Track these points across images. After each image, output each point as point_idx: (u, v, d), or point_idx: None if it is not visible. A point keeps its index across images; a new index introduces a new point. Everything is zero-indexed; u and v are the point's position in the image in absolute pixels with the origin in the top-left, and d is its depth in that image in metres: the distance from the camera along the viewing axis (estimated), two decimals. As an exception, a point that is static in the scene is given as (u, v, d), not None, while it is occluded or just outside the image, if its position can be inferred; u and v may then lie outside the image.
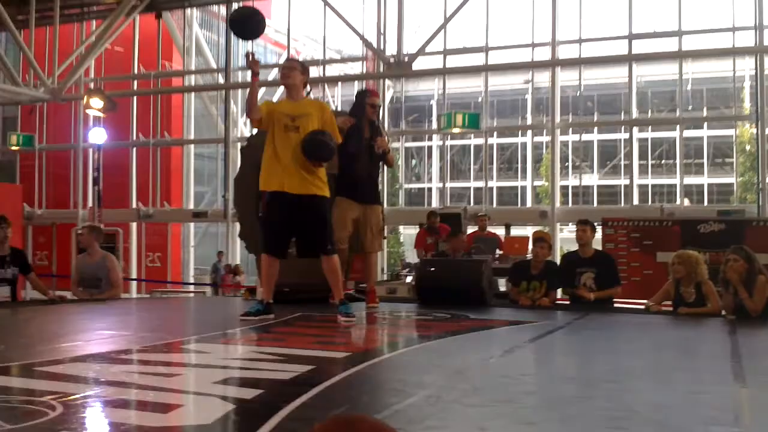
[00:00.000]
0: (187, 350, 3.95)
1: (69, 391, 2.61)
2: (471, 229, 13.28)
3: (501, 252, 10.23)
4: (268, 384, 2.94)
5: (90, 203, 16.96)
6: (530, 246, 7.76)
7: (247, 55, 5.20)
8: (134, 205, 18.20)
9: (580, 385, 3.08)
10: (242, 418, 2.38)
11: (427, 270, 7.16)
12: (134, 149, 18.27)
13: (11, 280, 6.56)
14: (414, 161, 30.71)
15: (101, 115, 13.22)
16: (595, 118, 23.62)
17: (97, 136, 12.57)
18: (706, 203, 23.54)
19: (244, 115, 18.19)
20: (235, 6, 16.85)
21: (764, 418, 2.57)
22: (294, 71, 5.24)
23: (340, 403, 2.61)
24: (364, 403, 2.65)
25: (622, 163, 25.56)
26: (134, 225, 18.49)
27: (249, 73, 5.16)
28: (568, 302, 7.13)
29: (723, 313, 6.06)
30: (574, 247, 7.07)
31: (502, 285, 8.98)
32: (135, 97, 18.02)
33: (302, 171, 5.06)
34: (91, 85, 17.18)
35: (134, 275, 17.87)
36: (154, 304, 9.74)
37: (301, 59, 19.52)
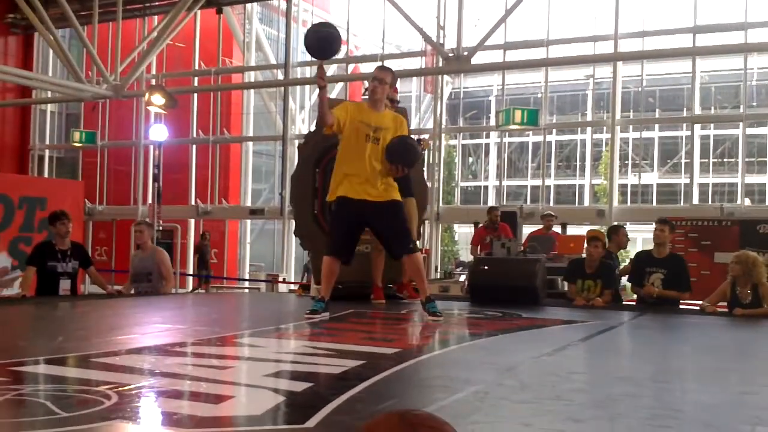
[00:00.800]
0: (240, 344, 4.05)
1: (124, 381, 2.72)
2: (527, 228, 13.19)
3: (556, 252, 10.11)
4: (319, 377, 3.01)
5: (149, 200, 17.38)
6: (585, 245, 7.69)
7: (320, 67, 5.12)
8: (193, 202, 18.57)
9: (629, 385, 3.06)
10: (292, 410, 2.45)
11: (481, 268, 7.16)
12: (194, 146, 18.64)
13: (72, 274, 6.78)
14: (471, 159, 30.56)
15: (162, 111, 13.53)
16: (657, 115, 23.10)
17: (158, 133, 12.87)
18: None
19: (309, 114, 18.45)
20: (295, 0, 17.04)
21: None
22: (384, 85, 5.21)
23: (388, 398, 2.65)
24: (411, 398, 2.69)
25: (683, 161, 24.96)
26: (192, 221, 18.88)
27: (317, 87, 5.17)
28: (626, 302, 7.06)
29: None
30: (634, 247, 6.99)
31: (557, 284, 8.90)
32: (195, 94, 18.37)
33: (380, 179, 5.12)
34: (153, 82, 17.59)
35: (191, 271, 18.27)
36: (210, 298, 9.98)
37: (360, 54, 19.61)
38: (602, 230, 14.81)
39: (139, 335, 4.39)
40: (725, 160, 25.25)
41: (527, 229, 13.02)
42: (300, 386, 2.76)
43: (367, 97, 5.45)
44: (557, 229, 12.31)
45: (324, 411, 2.32)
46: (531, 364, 3.55)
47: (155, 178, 12.79)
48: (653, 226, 6.99)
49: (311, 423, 2.19)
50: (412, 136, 5.99)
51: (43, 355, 3.44)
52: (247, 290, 17.09)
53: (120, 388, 2.58)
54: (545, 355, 3.78)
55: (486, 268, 7.12)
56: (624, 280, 7.47)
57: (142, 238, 7.41)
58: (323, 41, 4.99)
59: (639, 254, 7.27)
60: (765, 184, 24.13)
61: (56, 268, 6.66)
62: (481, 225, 10.94)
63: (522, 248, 8.51)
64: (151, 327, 4.87)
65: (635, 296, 7.09)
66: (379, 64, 16.85)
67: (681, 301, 6.98)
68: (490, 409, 2.55)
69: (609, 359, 4.02)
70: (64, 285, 6.64)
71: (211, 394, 2.64)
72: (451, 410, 2.46)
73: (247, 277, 19.26)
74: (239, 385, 2.81)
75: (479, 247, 10.36)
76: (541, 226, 11.46)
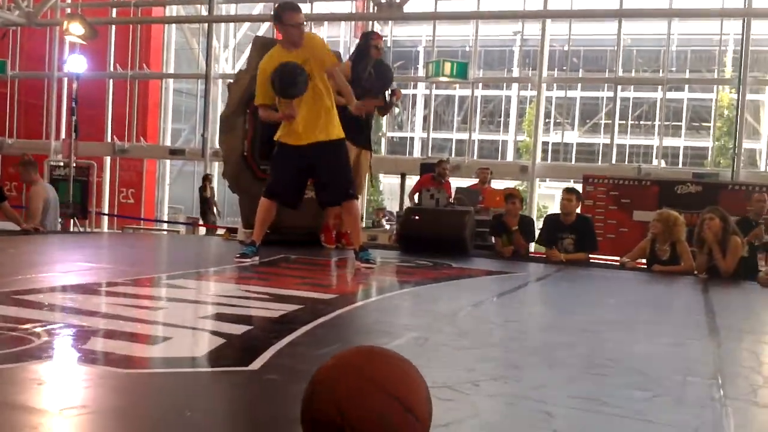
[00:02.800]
0: (170, 285, 3.93)
1: (51, 320, 2.59)
2: (453, 181, 13.28)
3: (482, 205, 10.24)
4: (257, 321, 2.95)
5: (63, 135, 16.64)
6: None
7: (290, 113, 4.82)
8: (109, 139, 17.90)
9: (563, 334, 3.13)
10: (233, 352, 2.39)
11: (412, 218, 7.18)
12: (111, 81, 17.88)
13: None
14: (398, 110, 30.47)
15: (81, 42, 12.84)
16: (580, 75, 23.53)
17: (76, 64, 12.21)
18: (681, 165, 23.75)
19: (233, 53, 17.89)
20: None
21: (737, 371, 2.64)
22: (301, 27, 4.83)
23: (329, 342, 2.62)
24: (353, 343, 2.66)
25: (603, 121, 25.63)
26: (108, 159, 18.22)
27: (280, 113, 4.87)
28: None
29: (695, 272, 6.20)
30: (552, 202, 7.22)
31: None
32: (113, 27, 17.54)
33: (321, 117, 4.85)
34: (68, 11, 16.68)
35: (106, 210, 17.69)
36: (130, 238, 9.68)
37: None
38: (520, 187, 15.13)
39: (62, 273, 4.20)
40: (642, 122, 26.05)
41: (453, 182, 13.12)
42: (238, 329, 2.70)
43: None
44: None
45: (266, 354, 2.27)
46: (467, 312, 3.58)
47: (72, 112, 12.19)
48: (571, 183, 7.24)
49: (255, 365, 2.14)
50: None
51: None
52: (165, 233, 16.70)
53: (49, 327, 2.46)
54: (480, 304, 3.83)
55: (417, 218, 7.15)
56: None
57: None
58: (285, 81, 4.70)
59: (549, 217, 7.53)
60: (679, 147, 25.09)
61: None
62: (426, 176, 10.90)
63: (450, 200, 8.60)
64: (73, 265, 4.68)
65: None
66: (308, 5, 16.44)
67: (602, 257, 7.25)
68: (433, 355, 2.55)
69: (540, 309, 4.11)
70: None
71: (147, 335, 2.55)
72: (395, 355, 2.45)
73: (166, 219, 18.82)
74: (175, 327, 2.71)
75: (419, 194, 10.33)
76: (470, 181, 11.52)
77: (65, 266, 4.65)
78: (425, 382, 1.40)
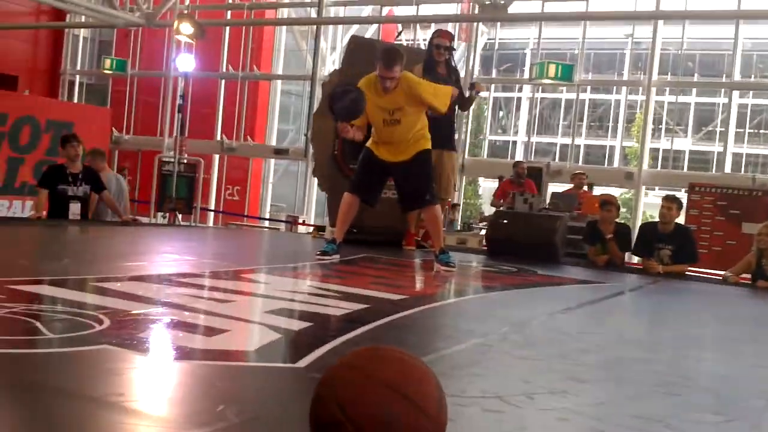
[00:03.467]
0: (246, 279, 3.99)
1: (119, 307, 2.66)
2: (552, 186, 12.98)
3: (579, 211, 9.93)
4: (319, 318, 2.93)
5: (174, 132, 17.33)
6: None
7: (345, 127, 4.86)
8: (218, 137, 18.50)
9: (640, 349, 2.95)
10: (286, 348, 2.37)
11: (500, 221, 7.03)
12: (222, 81, 18.48)
13: (82, 198, 6.71)
14: (501, 113, 30.09)
15: (190, 41, 13.33)
16: (695, 80, 22.50)
17: (185, 63, 12.68)
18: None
19: (340, 55, 18.16)
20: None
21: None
22: (396, 74, 4.77)
23: (387, 342, 2.56)
24: (410, 344, 2.60)
25: (718, 129, 24.42)
26: (216, 157, 18.83)
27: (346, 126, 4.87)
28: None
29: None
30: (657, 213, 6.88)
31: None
32: (227, 28, 18.13)
33: (404, 146, 4.94)
34: (183, 11, 17.38)
35: (212, 206, 18.29)
36: (226, 234, 9.96)
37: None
38: (627, 195, 14.56)
39: (146, 263, 4.34)
40: (761, 131, 24.66)
41: (552, 188, 12.81)
42: (299, 325, 2.69)
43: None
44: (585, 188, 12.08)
45: (318, 352, 2.24)
46: (540, 321, 3.45)
47: (179, 109, 12.67)
48: (682, 192, 6.90)
49: (302, 363, 2.11)
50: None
51: (44, 275, 3.40)
52: (266, 230, 17.11)
53: (114, 314, 2.52)
54: (556, 313, 3.68)
55: (505, 222, 6.99)
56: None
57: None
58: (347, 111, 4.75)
59: (645, 226, 7.18)
60: (801, 156, 23.59)
61: (66, 192, 6.61)
62: (505, 179, 10.74)
63: (545, 205, 8.38)
64: (160, 256, 4.83)
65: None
66: (413, 8, 16.43)
67: (705, 271, 6.86)
68: (490, 363, 2.45)
69: (622, 322, 3.91)
70: (74, 209, 6.58)
71: (206, 326, 2.57)
72: (450, 360, 2.37)
73: (267, 216, 19.28)
74: (237, 320, 2.73)
75: (501, 200, 10.20)
76: (568, 186, 11.23)
77: (152, 257, 4.80)
78: (436, 379, 1.34)
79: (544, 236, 6.64)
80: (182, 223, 12.32)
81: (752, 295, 5.64)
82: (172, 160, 12.92)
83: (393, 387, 1.24)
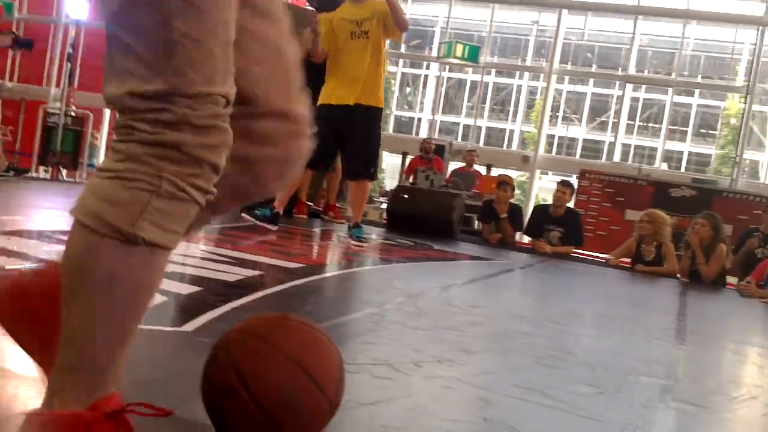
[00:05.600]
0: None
1: None
2: (452, 165, 13.21)
3: (477, 190, 10.18)
4: (210, 283, 2.88)
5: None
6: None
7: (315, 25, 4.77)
8: (113, 91, 17.78)
9: (525, 323, 3.06)
10: (172, 312, 2.32)
11: (401, 196, 7.11)
12: (121, 33, 17.72)
13: None
14: (408, 89, 30.28)
15: (86, -13, 12.61)
16: (593, 70, 23.34)
17: (77, 9, 11.95)
18: (683, 170, 23.66)
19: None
20: None
21: (694, 375, 2.58)
22: None
23: (280, 309, 2.55)
24: (305, 312, 2.60)
25: (611, 120, 25.49)
26: (108, 111, 18.10)
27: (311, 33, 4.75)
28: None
29: (678, 275, 6.15)
30: (550, 195, 7.19)
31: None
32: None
33: (367, 80, 4.76)
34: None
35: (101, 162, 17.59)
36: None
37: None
38: (522, 178, 15.02)
39: (23, 218, 4.13)
40: (650, 124, 25.90)
41: (452, 166, 13.04)
42: (187, 289, 2.63)
43: None
44: (481, 169, 12.37)
45: (206, 316, 2.21)
46: (433, 293, 3.52)
47: (69, 58, 12.00)
48: (574, 178, 7.21)
49: (189, 327, 2.07)
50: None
51: None
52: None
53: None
54: (450, 287, 3.77)
55: (405, 196, 7.08)
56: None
57: None
58: None
59: (538, 207, 7.48)
60: (683, 152, 24.95)
61: None
62: (415, 156, 10.85)
63: (445, 182, 8.54)
64: (38, 211, 4.61)
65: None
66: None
67: (590, 254, 7.20)
68: (383, 332, 2.49)
69: (510, 297, 4.05)
70: None
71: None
72: (344, 329, 2.40)
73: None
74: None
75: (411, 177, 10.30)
76: (463, 164, 11.47)
77: (27, 212, 4.58)
78: (340, 356, 1.33)
79: (442, 213, 6.77)
80: (66, 179, 11.78)
81: (631, 277, 5.95)
82: (58, 112, 12.29)
83: (297, 362, 1.19)
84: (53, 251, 3.03)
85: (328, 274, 3.61)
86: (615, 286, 5.37)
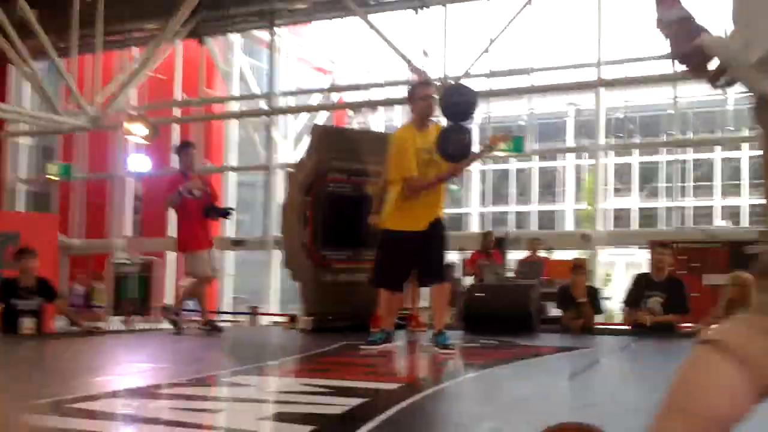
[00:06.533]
0: (229, 383, 3.84)
1: (106, 430, 2.51)
2: (511, 254, 13.05)
3: (546, 277, 10.01)
4: (320, 419, 2.82)
5: (125, 232, 17.07)
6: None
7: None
8: (171, 234, 18.25)
9: (648, 417, 2.90)
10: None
11: (475, 295, 7.02)
12: (174, 177, 18.38)
13: (36, 312, 6.44)
14: (454, 186, 30.50)
15: (144, 142, 13.29)
16: (637, 140, 23.29)
17: (140, 163, 12.58)
18: (746, 224, 23.02)
19: (294, 143, 18.31)
20: (277, 30, 16.91)
21: None
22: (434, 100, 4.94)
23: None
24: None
25: (661, 185, 25.20)
26: (172, 254, 18.57)
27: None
28: (619, 327, 6.97)
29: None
30: (615, 271, 6.96)
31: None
32: (176, 125, 18.14)
33: (436, 204, 4.91)
34: (132, 113, 17.35)
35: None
36: (194, 334, 9.68)
37: (343, 83, 19.51)
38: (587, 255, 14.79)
39: (118, 376, 4.15)
40: (701, 183, 25.51)
41: (512, 255, 12.89)
42: (302, 430, 2.58)
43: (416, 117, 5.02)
44: (542, 254, 12.20)
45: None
46: (540, 396, 3.39)
47: (136, 210, 12.53)
48: (632, 249, 7.00)
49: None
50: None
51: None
52: (228, 323, 16.72)
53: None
54: (552, 386, 3.63)
55: (481, 295, 6.98)
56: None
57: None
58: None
59: (638, 277, 7.17)
60: (739, 206, 24.37)
61: (17, 306, 6.37)
62: (474, 251, 10.78)
63: (514, 274, 8.42)
64: (130, 367, 4.64)
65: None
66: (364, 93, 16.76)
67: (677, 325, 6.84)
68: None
69: (617, 388, 3.87)
70: (27, 323, 6.31)
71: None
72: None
73: (229, 309, 18.91)
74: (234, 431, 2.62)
75: (474, 272, 10.19)
76: (527, 253, 11.33)
77: (122, 368, 4.62)
78: None
79: (520, 306, 6.64)
80: (140, 325, 12.00)
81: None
82: (126, 261, 12.68)
83: None
84: (159, 408, 3.02)
85: (428, 391, 3.50)
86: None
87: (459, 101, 4.80)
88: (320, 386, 3.54)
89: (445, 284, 4.98)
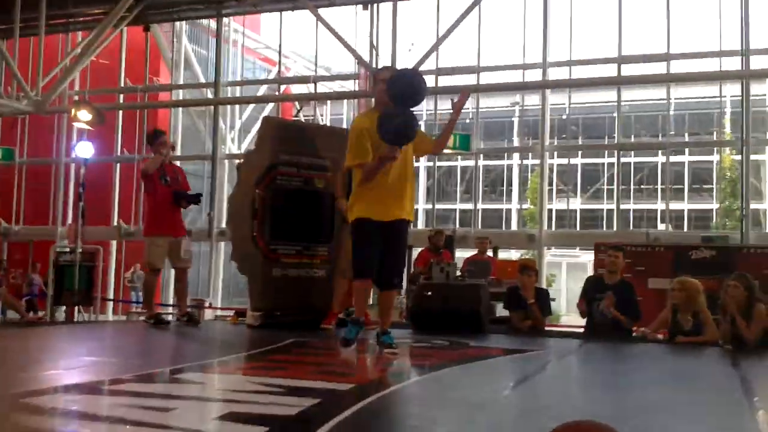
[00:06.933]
0: (176, 380, 3.72)
1: (56, 428, 2.40)
2: (459, 252, 13.11)
3: (493, 276, 10.07)
4: (273, 421, 2.74)
5: (69, 220, 16.60)
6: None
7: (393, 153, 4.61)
8: (115, 223, 17.84)
9: (607, 420, 2.91)
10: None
11: (425, 294, 6.99)
12: (118, 165, 17.95)
13: None
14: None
15: (88, 128, 12.91)
16: (580, 142, 23.70)
17: (85, 150, 12.21)
18: (686, 228, 23.66)
19: (238, 133, 18.04)
20: (225, 21, 16.65)
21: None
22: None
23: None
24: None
25: (605, 187, 25.72)
26: (114, 243, 18.13)
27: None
28: (567, 329, 7.05)
29: (720, 342, 5.96)
30: (558, 270, 7.05)
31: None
32: (120, 112, 17.73)
33: (402, 195, 4.75)
34: (76, 98, 16.89)
35: (111, 295, 17.47)
36: (136, 327, 9.46)
37: (290, 75, 19.37)
38: (532, 256, 14.98)
39: (65, 371, 3.99)
40: (644, 186, 26.12)
41: (458, 254, 12.94)
42: (253, 431, 2.50)
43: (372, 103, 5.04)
44: (489, 252, 12.26)
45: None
46: (496, 399, 3.37)
47: (80, 198, 12.14)
48: (576, 251, 7.09)
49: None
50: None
51: None
52: (171, 316, 16.41)
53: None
54: (507, 389, 3.62)
55: (429, 293, 6.96)
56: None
57: None
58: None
59: (589, 279, 7.27)
60: (682, 210, 25.07)
61: None
62: (424, 249, 10.76)
63: (460, 273, 8.42)
64: (73, 361, 4.47)
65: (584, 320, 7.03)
66: (310, 86, 16.61)
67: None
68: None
69: (574, 392, 3.88)
70: None
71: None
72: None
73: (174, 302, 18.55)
74: None
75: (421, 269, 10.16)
76: (474, 251, 11.37)
77: (69, 362, 4.45)
78: None
79: (470, 306, 6.64)
80: (84, 315, 11.66)
81: (674, 351, 5.78)
82: (68, 250, 12.30)
83: None
84: (110, 405, 2.89)
85: (382, 393, 3.44)
86: (665, 364, 5.20)
87: (403, 86, 4.62)
88: (271, 385, 3.46)
89: (392, 291, 4.95)
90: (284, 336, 5.29)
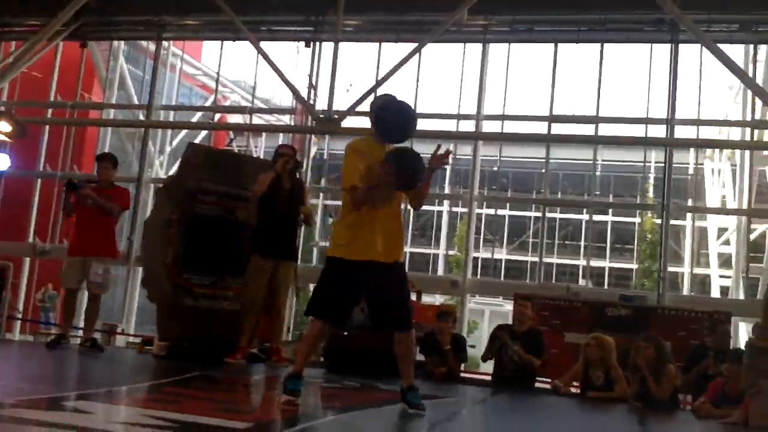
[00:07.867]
0: (70, 408, 3.50)
1: None
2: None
3: (414, 320, 10.02)
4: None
5: (-17, 234, 15.88)
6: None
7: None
8: (30, 240, 17.14)
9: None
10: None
11: (341, 334, 6.87)
12: (39, 180, 17.32)
13: None
14: (330, 219, 30.47)
15: (7, 140, 12.42)
16: (509, 194, 24.17)
17: (1, 162, 11.71)
18: (606, 286, 24.27)
19: (167, 158, 17.67)
20: (165, 44, 16.43)
21: None
22: None
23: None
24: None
25: (530, 240, 26.21)
26: (28, 260, 17.39)
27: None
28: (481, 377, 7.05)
29: (629, 399, 6.06)
30: (481, 318, 7.13)
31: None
32: (47, 127, 17.18)
33: (394, 234, 4.32)
34: (1, 108, 16.30)
35: (20, 314, 16.69)
36: (39, 349, 9.00)
37: (228, 104, 19.18)
38: (453, 303, 15.06)
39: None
40: (568, 242, 26.75)
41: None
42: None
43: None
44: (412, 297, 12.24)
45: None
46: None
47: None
48: (500, 299, 7.26)
49: None
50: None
51: None
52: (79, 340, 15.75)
53: None
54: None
55: (345, 333, 6.85)
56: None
57: None
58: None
59: (500, 327, 7.33)
60: (603, 267, 25.73)
61: None
62: None
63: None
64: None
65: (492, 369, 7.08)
66: (246, 117, 16.49)
67: (536, 379, 7.00)
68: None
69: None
70: None
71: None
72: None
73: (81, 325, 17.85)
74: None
75: None
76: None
77: None
78: None
79: (385, 348, 6.53)
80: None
81: (585, 405, 5.82)
82: (-24, 264, 11.69)
83: None
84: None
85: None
86: (576, 418, 5.21)
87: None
88: (164, 419, 3.28)
89: (408, 334, 4.44)
90: (188, 368, 5.09)
